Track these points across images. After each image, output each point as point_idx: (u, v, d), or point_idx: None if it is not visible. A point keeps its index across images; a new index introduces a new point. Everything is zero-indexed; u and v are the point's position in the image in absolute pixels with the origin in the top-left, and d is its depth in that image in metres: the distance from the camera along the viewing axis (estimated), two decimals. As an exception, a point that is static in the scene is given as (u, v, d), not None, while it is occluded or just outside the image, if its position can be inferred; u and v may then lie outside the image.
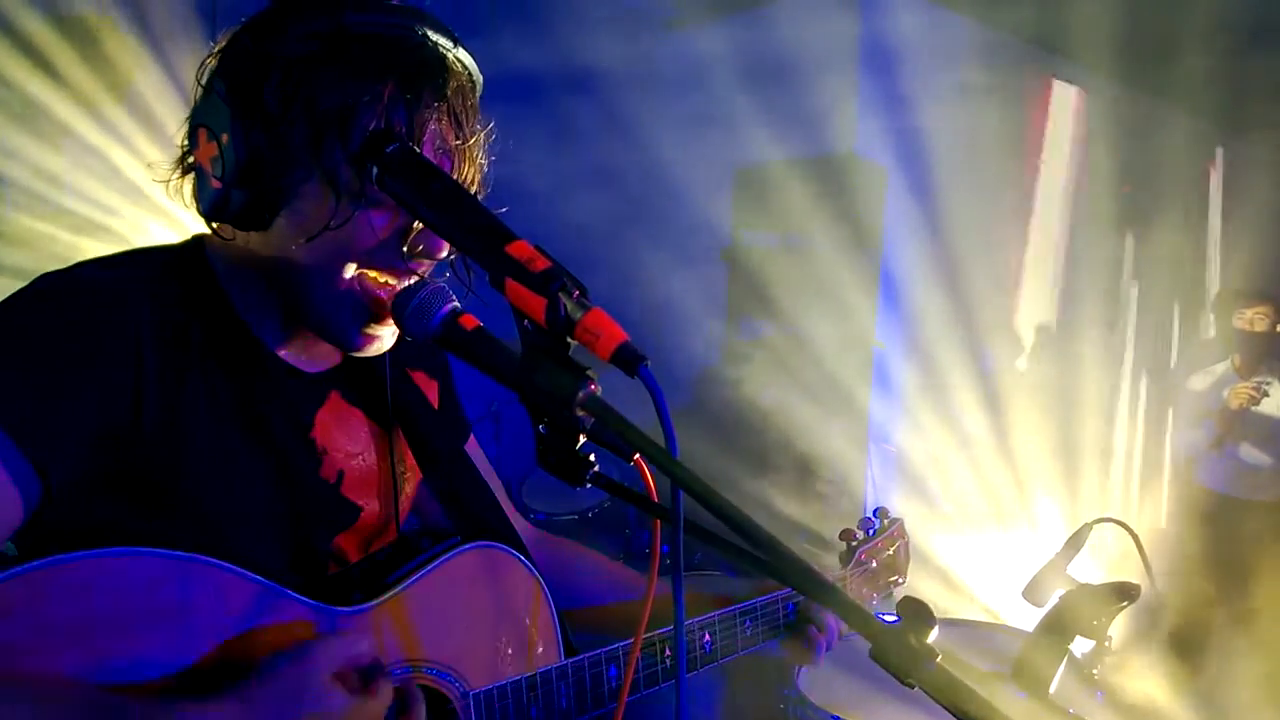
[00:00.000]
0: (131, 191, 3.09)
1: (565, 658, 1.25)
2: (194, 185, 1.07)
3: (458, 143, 1.05)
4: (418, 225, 1.05)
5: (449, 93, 1.04)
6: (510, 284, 0.86)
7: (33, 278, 1.00)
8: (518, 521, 1.57)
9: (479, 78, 1.12)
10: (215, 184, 1.02)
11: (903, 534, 1.78)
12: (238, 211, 1.02)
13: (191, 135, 1.05)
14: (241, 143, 0.99)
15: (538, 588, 1.25)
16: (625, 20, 4.51)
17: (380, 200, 1.02)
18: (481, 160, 1.11)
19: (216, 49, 1.05)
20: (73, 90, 2.91)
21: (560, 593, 1.51)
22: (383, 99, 0.99)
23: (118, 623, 0.89)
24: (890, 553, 1.74)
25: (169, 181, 1.09)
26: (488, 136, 1.12)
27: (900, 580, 1.77)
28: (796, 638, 1.49)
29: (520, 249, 0.87)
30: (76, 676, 0.86)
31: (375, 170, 0.95)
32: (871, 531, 1.72)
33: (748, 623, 1.41)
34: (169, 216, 3.11)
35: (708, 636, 1.36)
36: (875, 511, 1.77)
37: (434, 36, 1.05)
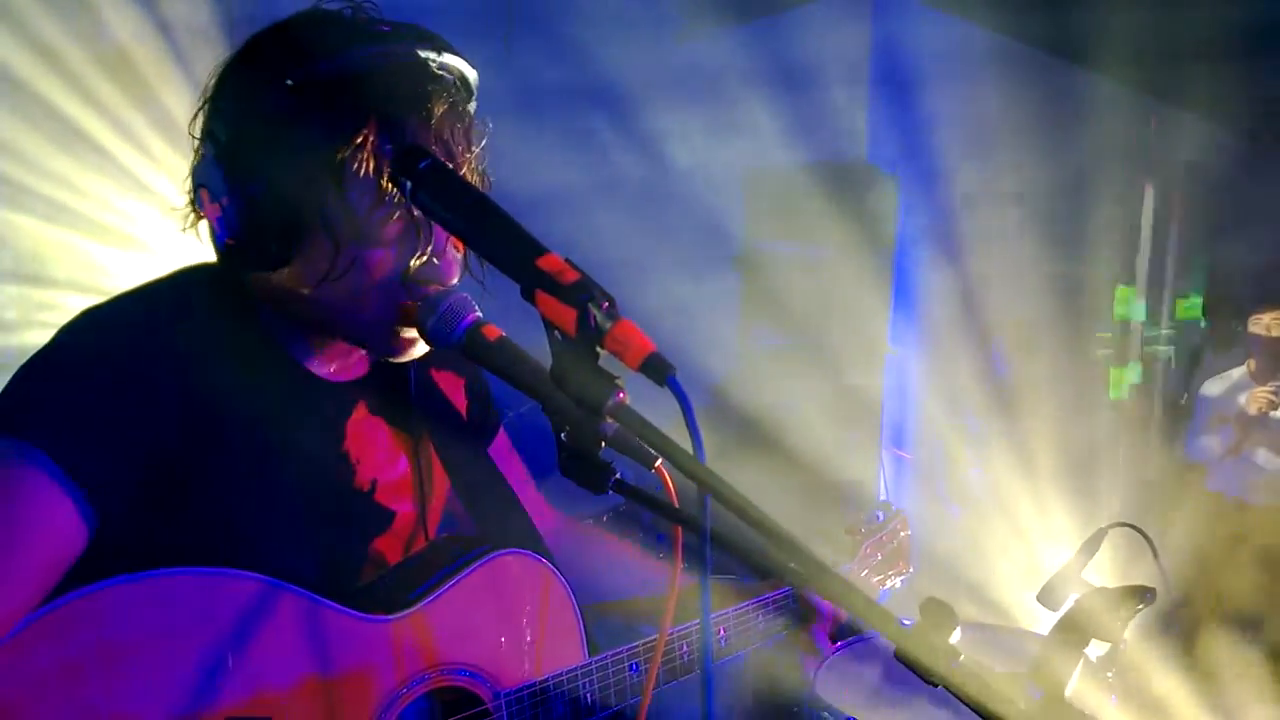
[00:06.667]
0: (161, 204, 3.13)
1: (589, 657, 1.29)
2: (210, 233, 1.10)
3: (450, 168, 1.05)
4: (415, 262, 1.06)
5: (434, 120, 1.04)
6: (541, 296, 0.88)
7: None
8: (543, 511, 1.60)
9: (473, 78, 1.12)
10: (228, 240, 1.06)
11: (905, 525, 1.83)
12: (253, 260, 1.05)
13: (195, 193, 1.08)
14: (241, 203, 1.02)
15: (563, 591, 1.29)
16: (638, 30, 4.54)
17: (381, 239, 1.04)
18: (476, 175, 1.12)
19: (205, 99, 1.07)
20: (101, 105, 2.95)
21: (579, 585, 1.55)
22: (367, 143, 1.01)
23: (167, 641, 0.94)
24: (895, 544, 1.79)
25: (185, 229, 1.13)
26: (484, 150, 1.12)
27: (907, 569, 1.82)
28: (803, 630, 1.54)
29: (551, 262, 0.89)
30: (133, 695, 0.91)
31: (409, 186, 0.97)
32: (878, 524, 1.78)
33: (760, 617, 1.45)
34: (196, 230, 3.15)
35: (722, 631, 1.40)
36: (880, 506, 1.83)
37: (417, 53, 1.05)
